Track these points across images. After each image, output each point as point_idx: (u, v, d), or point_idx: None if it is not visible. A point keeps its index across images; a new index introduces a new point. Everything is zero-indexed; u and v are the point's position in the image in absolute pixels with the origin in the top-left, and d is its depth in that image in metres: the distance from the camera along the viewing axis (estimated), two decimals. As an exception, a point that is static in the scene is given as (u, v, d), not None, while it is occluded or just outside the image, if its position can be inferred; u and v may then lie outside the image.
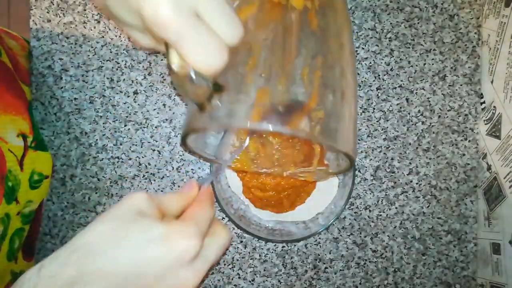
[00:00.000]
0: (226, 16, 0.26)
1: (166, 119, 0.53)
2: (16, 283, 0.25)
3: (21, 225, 0.45)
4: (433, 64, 0.54)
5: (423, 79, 0.54)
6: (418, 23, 0.54)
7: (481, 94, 0.54)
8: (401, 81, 0.54)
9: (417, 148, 0.54)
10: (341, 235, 0.54)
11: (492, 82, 0.52)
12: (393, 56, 0.54)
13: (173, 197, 0.30)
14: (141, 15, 0.25)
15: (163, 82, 0.53)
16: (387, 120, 0.54)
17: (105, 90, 0.53)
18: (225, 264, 0.53)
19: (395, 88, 0.54)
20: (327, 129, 0.31)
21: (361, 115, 0.54)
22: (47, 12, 0.52)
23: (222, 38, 0.26)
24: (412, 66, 0.54)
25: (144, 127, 0.53)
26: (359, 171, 0.54)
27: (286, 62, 0.31)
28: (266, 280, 0.53)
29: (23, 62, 0.51)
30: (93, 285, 0.25)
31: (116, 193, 0.53)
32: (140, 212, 0.27)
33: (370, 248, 0.54)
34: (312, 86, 0.31)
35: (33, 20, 0.52)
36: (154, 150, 0.53)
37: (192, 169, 0.53)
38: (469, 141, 0.54)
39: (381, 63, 0.54)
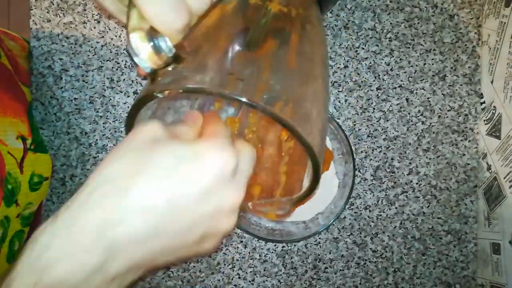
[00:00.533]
0: None
1: (166, 119, 0.53)
2: (37, 233, 0.22)
3: (21, 227, 0.45)
4: (433, 64, 0.54)
5: (423, 79, 0.54)
6: (418, 23, 0.54)
7: (481, 94, 0.54)
8: (401, 81, 0.54)
9: (417, 148, 0.54)
10: (341, 235, 0.54)
11: (492, 82, 0.52)
12: (393, 56, 0.54)
13: (185, 125, 0.27)
14: None
15: (163, 82, 0.53)
16: (387, 120, 0.54)
17: (105, 90, 0.53)
18: (225, 264, 0.53)
19: (395, 88, 0.54)
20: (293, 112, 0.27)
21: (361, 115, 0.54)
22: (47, 12, 0.52)
23: (187, 2, 0.25)
24: (412, 66, 0.54)
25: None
26: (359, 171, 0.54)
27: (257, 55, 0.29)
28: (266, 280, 0.53)
29: (22, 63, 0.51)
30: (129, 224, 0.21)
31: (116, 193, 0.53)
32: (157, 140, 0.24)
33: (370, 248, 0.54)
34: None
35: (33, 20, 0.52)
36: (154, 150, 0.53)
37: (192, 169, 0.53)
38: (469, 141, 0.54)
39: (381, 63, 0.54)
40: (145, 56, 0.26)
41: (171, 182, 0.22)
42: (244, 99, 0.24)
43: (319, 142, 0.28)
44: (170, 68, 0.26)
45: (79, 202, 0.22)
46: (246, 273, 0.53)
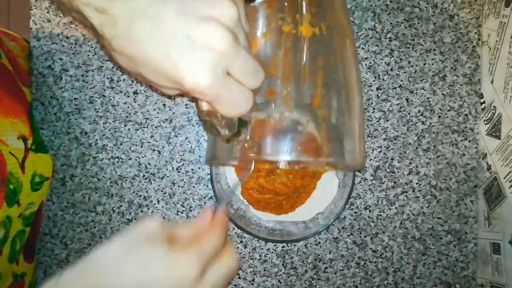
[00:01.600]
0: (252, 70, 0.29)
1: (166, 119, 0.53)
2: None
3: (22, 227, 0.45)
4: (433, 64, 0.54)
5: (423, 79, 0.54)
6: (418, 23, 0.54)
7: (481, 94, 0.54)
8: (401, 81, 0.54)
9: (417, 148, 0.54)
10: (341, 235, 0.54)
11: (492, 82, 0.52)
12: (393, 56, 0.54)
13: (185, 225, 0.32)
14: (181, 85, 0.27)
15: (163, 82, 0.53)
16: (387, 120, 0.54)
17: (105, 90, 0.53)
18: (225, 264, 0.53)
19: (395, 88, 0.54)
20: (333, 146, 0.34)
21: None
22: (47, 12, 0.52)
23: (249, 87, 0.30)
24: (412, 66, 0.54)
25: (144, 127, 0.53)
26: (359, 171, 0.54)
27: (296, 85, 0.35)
28: (266, 280, 0.53)
29: (23, 64, 0.51)
30: None
31: (116, 193, 0.53)
32: (149, 236, 0.29)
33: (370, 248, 0.54)
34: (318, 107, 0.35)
35: (33, 20, 0.52)
36: (154, 150, 0.53)
37: (192, 169, 0.53)
38: (469, 141, 0.54)
39: (381, 63, 0.54)
40: (217, 130, 0.33)
41: (142, 277, 0.27)
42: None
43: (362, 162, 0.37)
44: (241, 135, 0.34)
45: (78, 272, 0.28)
46: (246, 273, 0.53)
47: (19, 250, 0.45)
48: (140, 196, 0.53)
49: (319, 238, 0.53)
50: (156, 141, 0.53)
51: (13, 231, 0.43)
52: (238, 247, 0.53)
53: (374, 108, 0.54)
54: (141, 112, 0.53)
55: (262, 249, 0.53)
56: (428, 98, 0.54)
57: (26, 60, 0.52)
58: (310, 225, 0.50)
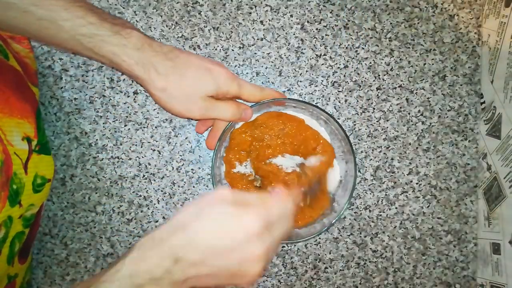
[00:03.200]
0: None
1: (166, 119, 0.53)
2: (136, 245, 0.32)
3: (22, 228, 0.45)
4: (433, 64, 0.54)
5: (423, 79, 0.54)
6: (418, 23, 0.54)
7: (481, 94, 0.54)
8: (401, 81, 0.54)
9: (417, 148, 0.54)
10: (341, 235, 0.54)
11: (492, 82, 0.52)
12: (393, 56, 0.54)
13: (255, 195, 0.36)
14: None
15: (163, 82, 0.53)
16: (387, 120, 0.54)
17: (105, 90, 0.53)
18: (225, 264, 0.53)
19: (395, 88, 0.54)
20: None
21: (361, 115, 0.54)
22: (47, 12, 0.52)
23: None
24: (412, 66, 0.54)
25: (144, 127, 0.53)
26: (359, 171, 0.54)
27: None
28: (266, 280, 0.53)
29: (31, 64, 0.51)
30: (188, 251, 0.31)
31: (116, 193, 0.53)
32: (221, 198, 0.34)
33: (370, 248, 0.54)
34: None
35: (33, 20, 0.52)
36: (154, 150, 0.53)
37: (192, 169, 0.53)
38: (469, 141, 0.54)
39: (381, 63, 0.54)
40: None
41: (217, 231, 0.32)
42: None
43: None
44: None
45: (167, 230, 0.33)
46: (246, 273, 0.53)
47: (17, 251, 0.45)
48: (140, 196, 0.53)
49: (319, 238, 0.53)
50: (156, 141, 0.53)
51: (13, 232, 0.43)
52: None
53: (374, 108, 0.54)
54: (141, 112, 0.53)
55: (262, 249, 0.53)
56: (428, 98, 0.54)
57: (34, 61, 0.52)
58: (315, 225, 0.50)
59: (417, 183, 0.54)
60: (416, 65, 0.54)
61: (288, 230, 0.36)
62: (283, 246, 0.53)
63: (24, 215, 0.44)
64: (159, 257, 0.31)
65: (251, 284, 0.33)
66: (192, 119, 0.50)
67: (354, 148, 0.54)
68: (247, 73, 0.54)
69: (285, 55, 0.54)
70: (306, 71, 0.54)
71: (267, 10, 0.54)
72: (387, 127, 0.54)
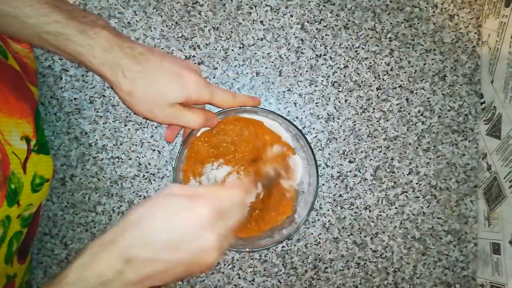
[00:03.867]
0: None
1: (166, 119, 0.53)
2: (84, 249, 0.31)
3: (20, 228, 0.45)
4: (433, 64, 0.54)
5: (423, 79, 0.54)
6: (418, 23, 0.54)
7: (481, 94, 0.54)
8: (401, 81, 0.54)
9: (417, 148, 0.54)
10: (341, 235, 0.54)
11: (492, 82, 0.52)
12: (393, 56, 0.54)
13: (206, 186, 0.38)
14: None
15: (163, 82, 0.53)
16: (387, 120, 0.54)
17: (105, 90, 0.53)
18: (225, 264, 0.53)
19: (395, 88, 0.54)
20: None
21: (361, 115, 0.54)
22: (47, 12, 0.52)
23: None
24: (412, 66, 0.54)
25: (144, 127, 0.53)
26: (359, 171, 0.54)
27: None
28: (266, 280, 0.53)
29: (31, 64, 0.51)
30: (139, 249, 0.31)
31: (116, 193, 0.53)
32: (171, 193, 0.34)
33: (370, 248, 0.54)
34: None
35: (33, 20, 0.52)
36: (154, 150, 0.53)
37: (192, 169, 0.53)
38: (469, 141, 0.54)
39: (381, 63, 0.54)
40: None
41: (169, 226, 0.32)
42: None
43: None
44: None
45: (118, 230, 0.32)
46: (246, 273, 0.53)
47: (15, 251, 0.45)
48: (140, 196, 0.53)
49: (319, 238, 0.53)
50: (156, 141, 0.53)
51: (11, 232, 0.43)
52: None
53: (374, 108, 0.54)
54: (141, 112, 0.53)
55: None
56: (428, 98, 0.54)
57: (34, 61, 0.52)
58: (275, 235, 0.49)
59: (417, 183, 0.54)
60: (416, 65, 0.54)
61: (241, 218, 0.36)
62: (283, 246, 0.53)
63: (22, 214, 0.44)
64: (109, 259, 0.30)
65: (207, 272, 0.33)
66: (156, 122, 0.49)
67: (354, 148, 0.54)
68: (247, 73, 0.54)
69: (285, 55, 0.54)
70: (306, 71, 0.54)
71: (267, 10, 0.54)
72: (387, 127, 0.54)
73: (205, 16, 0.53)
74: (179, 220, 0.32)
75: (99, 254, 0.31)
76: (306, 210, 0.47)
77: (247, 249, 0.47)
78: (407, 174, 0.54)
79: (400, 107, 0.54)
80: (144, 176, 0.53)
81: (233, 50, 0.54)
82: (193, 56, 0.53)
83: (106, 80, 0.42)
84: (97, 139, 0.53)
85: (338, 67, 0.54)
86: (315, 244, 0.54)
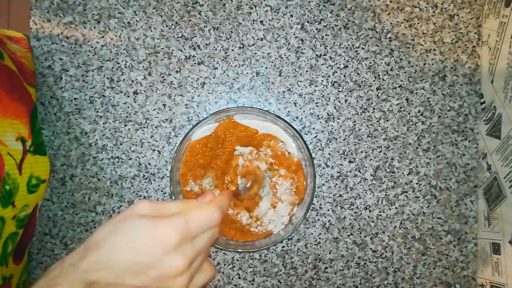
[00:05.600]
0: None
1: (166, 119, 0.53)
2: (45, 273, 0.30)
3: (16, 229, 0.44)
4: (433, 64, 0.54)
5: (423, 79, 0.54)
6: (418, 23, 0.54)
7: (481, 94, 0.54)
8: (401, 81, 0.54)
9: (417, 148, 0.54)
10: (341, 235, 0.54)
11: (492, 82, 0.52)
12: (393, 56, 0.54)
13: (176, 203, 0.34)
14: None
15: (163, 82, 0.53)
16: (387, 120, 0.54)
17: (105, 90, 0.53)
18: (225, 264, 0.53)
19: (395, 88, 0.54)
20: None
21: (361, 115, 0.54)
22: (47, 12, 0.52)
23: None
24: (412, 66, 0.54)
25: (144, 127, 0.53)
26: (359, 171, 0.54)
27: None
28: (266, 280, 0.53)
29: (28, 64, 0.51)
30: (101, 273, 0.29)
31: (116, 193, 0.53)
32: (138, 213, 0.31)
33: (370, 248, 0.54)
34: None
35: (33, 20, 0.52)
36: (154, 150, 0.53)
37: (192, 169, 0.53)
38: (469, 141, 0.54)
39: (381, 63, 0.54)
40: None
41: (132, 249, 0.30)
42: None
43: None
44: None
45: (79, 252, 0.30)
46: (246, 273, 0.53)
47: (10, 252, 0.44)
48: (140, 196, 0.53)
49: (319, 238, 0.53)
50: (156, 141, 0.53)
51: (6, 233, 0.43)
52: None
53: (374, 108, 0.54)
54: (141, 112, 0.53)
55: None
56: (428, 98, 0.54)
57: (32, 61, 0.52)
58: (271, 236, 0.49)
59: (417, 183, 0.54)
60: (416, 65, 0.54)
61: (213, 237, 0.33)
62: (283, 246, 0.53)
63: (17, 216, 0.44)
64: (69, 284, 0.28)
65: None
66: None
67: (354, 148, 0.54)
68: (247, 73, 0.54)
69: (285, 55, 0.54)
70: (306, 71, 0.54)
71: (267, 10, 0.54)
72: (387, 127, 0.54)
73: (205, 16, 0.53)
74: (143, 243, 0.30)
75: (58, 278, 0.29)
76: (303, 211, 0.47)
77: (239, 250, 0.47)
78: (407, 174, 0.54)
79: (400, 107, 0.54)
80: (144, 176, 0.53)
81: (233, 50, 0.54)
82: (193, 56, 0.53)
83: None
84: (97, 139, 0.53)
85: (338, 67, 0.54)
86: (315, 244, 0.53)
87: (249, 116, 0.50)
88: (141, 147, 0.53)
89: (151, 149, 0.53)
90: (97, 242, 0.30)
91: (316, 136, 0.54)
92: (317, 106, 0.54)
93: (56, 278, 0.29)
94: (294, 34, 0.54)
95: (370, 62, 0.54)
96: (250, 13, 0.54)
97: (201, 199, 0.35)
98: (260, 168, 0.50)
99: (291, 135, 0.50)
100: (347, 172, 0.54)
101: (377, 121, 0.54)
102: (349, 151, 0.54)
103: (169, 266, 0.30)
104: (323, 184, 0.54)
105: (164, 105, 0.53)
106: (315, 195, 0.53)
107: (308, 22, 0.54)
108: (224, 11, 0.53)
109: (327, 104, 0.54)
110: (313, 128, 0.54)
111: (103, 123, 0.53)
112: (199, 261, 0.32)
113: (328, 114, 0.54)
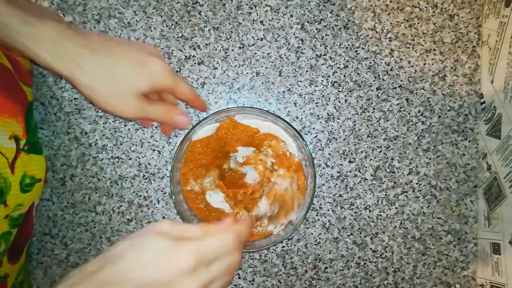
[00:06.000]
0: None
1: (166, 119, 0.53)
2: (64, 278, 0.30)
3: (9, 228, 0.44)
4: (433, 64, 0.54)
5: (423, 79, 0.54)
6: (418, 23, 0.54)
7: (481, 94, 0.54)
8: (401, 81, 0.54)
9: (417, 148, 0.54)
10: (341, 235, 0.54)
11: (492, 82, 0.52)
12: (393, 56, 0.54)
13: (196, 227, 0.34)
14: None
15: (163, 82, 0.53)
16: (387, 120, 0.54)
17: (105, 90, 0.53)
18: (225, 264, 0.53)
19: (395, 88, 0.54)
20: None
21: (361, 115, 0.54)
22: (47, 12, 0.52)
23: None
24: (412, 66, 0.54)
25: (144, 127, 0.53)
26: (359, 171, 0.54)
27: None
28: (266, 280, 0.53)
29: (24, 63, 0.50)
30: (117, 286, 0.30)
31: (116, 193, 0.53)
32: (159, 232, 0.32)
33: (370, 248, 0.54)
34: None
35: (33, 20, 0.52)
36: (154, 150, 0.53)
37: (192, 169, 0.53)
38: (469, 141, 0.54)
39: (381, 63, 0.54)
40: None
41: (147, 267, 0.30)
42: None
43: None
44: None
45: (98, 262, 0.31)
46: (246, 273, 0.53)
47: (4, 252, 0.44)
48: (140, 196, 0.53)
49: (319, 238, 0.53)
50: (156, 141, 0.53)
51: None
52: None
53: (374, 108, 0.54)
54: (141, 112, 0.53)
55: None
56: (428, 98, 0.54)
57: (28, 59, 0.52)
58: (271, 236, 0.50)
59: (417, 183, 0.54)
60: (416, 65, 0.54)
61: (232, 263, 0.34)
62: (283, 246, 0.53)
63: (11, 215, 0.44)
64: None
65: None
66: (125, 118, 0.46)
67: (354, 148, 0.54)
68: (247, 73, 0.54)
69: (285, 55, 0.54)
70: (306, 71, 0.54)
71: (267, 10, 0.54)
72: (387, 127, 0.54)
73: (205, 16, 0.53)
74: (159, 263, 0.31)
75: (77, 285, 0.30)
76: (303, 211, 0.47)
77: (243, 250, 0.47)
78: (407, 174, 0.54)
79: (400, 107, 0.54)
80: (144, 176, 0.53)
81: (233, 50, 0.54)
82: (193, 56, 0.53)
83: (61, 76, 0.38)
84: (97, 139, 0.53)
85: (338, 67, 0.54)
86: (315, 244, 0.54)
87: (250, 116, 0.50)
88: (141, 147, 0.53)
89: (151, 149, 0.53)
90: (117, 255, 0.31)
91: (316, 136, 0.54)
92: (317, 106, 0.54)
93: (76, 285, 0.30)
94: (294, 34, 0.54)
95: (370, 62, 0.54)
96: (250, 13, 0.54)
97: (221, 223, 0.36)
98: (289, 191, 0.49)
99: (292, 135, 0.50)
100: (347, 172, 0.54)
101: (377, 121, 0.54)
102: (349, 151, 0.54)
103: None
104: (323, 184, 0.54)
105: (164, 105, 0.53)
106: (315, 195, 0.53)
107: (308, 22, 0.54)
108: (224, 11, 0.53)
109: (327, 104, 0.54)
110: (313, 128, 0.54)
111: (103, 123, 0.53)
112: (215, 286, 0.33)
113: (328, 114, 0.54)
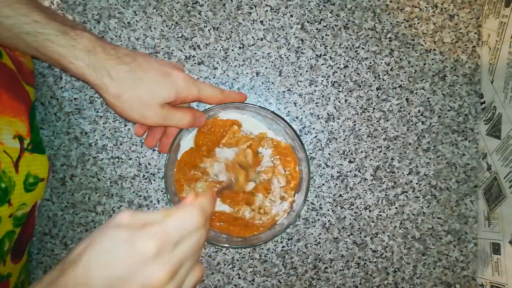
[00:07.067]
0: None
1: (166, 119, 0.53)
2: None
3: (13, 227, 0.44)
4: (433, 64, 0.54)
5: (423, 79, 0.54)
6: (418, 23, 0.54)
7: (481, 94, 0.54)
8: (401, 81, 0.54)
9: (417, 148, 0.54)
10: (341, 235, 0.54)
11: (492, 82, 0.52)
12: (393, 56, 0.54)
13: (157, 212, 0.32)
14: None
15: (163, 82, 0.53)
16: (387, 120, 0.54)
17: (105, 90, 0.53)
18: (225, 264, 0.53)
19: (395, 88, 0.54)
20: None
21: (361, 115, 0.54)
22: (47, 12, 0.52)
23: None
24: (412, 66, 0.54)
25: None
26: (359, 171, 0.54)
27: None
28: (266, 280, 0.53)
29: (27, 63, 0.50)
30: None
31: (116, 193, 0.53)
32: (118, 224, 0.30)
33: (370, 248, 0.54)
34: None
35: (33, 20, 0.52)
36: (154, 150, 0.53)
37: (192, 169, 0.53)
38: (469, 141, 0.54)
39: (381, 63, 0.54)
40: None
41: (108, 262, 0.29)
42: None
43: None
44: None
45: (58, 269, 0.29)
46: (246, 273, 0.53)
47: (7, 250, 0.44)
48: (140, 196, 0.53)
49: (319, 238, 0.53)
50: (156, 141, 0.53)
51: (3, 231, 0.42)
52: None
53: (374, 108, 0.54)
54: (141, 112, 0.53)
55: (262, 249, 0.53)
56: (428, 98, 0.54)
57: (31, 60, 0.52)
58: (275, 226, 0.50)
59: (417, 183, 0.54)
60: (416, 65, 0.54)
61: (199, 240, 0.32)
62: (283, 246, 0.53)
63: (14, 214, 0.44)
64: None
65: None
66: (146, 125, 0.47)
67: (354, 148, 0.54)
68: (247, 73, 0.54)
69: (285, 55, 0.54)
70: (306, 71, 0.54)
71: (267, 10, 0.54)
72: (387, 127, 0.54)
73: (205, 16, 0.53)
74: (119, 256, 0.29)
75: None
76: (302, 196, 0.48)
77: (246, 245, 0.47)
78: (407, 174, 0.54)
79: (400, 107, 0.54)
80: (144, 176, 0.53)
81: (233, 50, 0.54)
82: (193, 56, 0.53)
83: (90, 84, 0.40)
84: (97, 139, 0.53)
85: (338, 67, 0.54)
86: (315, 244, 0.54)
87: (229, 110, 0.50)
88: (141, 147, 0.53)
89: (151, 149, 0.53)
90: (74, 258, 0.29)
91: (316, 136, 0.54)
92: (317, 106, 0.54)
93: None
94: (294, 34, 0.54)
95: (370, 62, 0.54)
96: (250, 13, 0.54)
97: (182, 203, 0.34)
98: (241, 158, 0.50)
99: (277, 124, 0.50)
100: (347, 172, 0.54)
101: (377, 121, 0.54)
102: (349, 151, 0.54)
103: (149, 277, 0.29)
104: (323, 184, 0.54)
105: (164, 105, 0.53)
106: (315, 195, 0.53)
107: (308, 22, 0.54)
108: (224, 11, 0.53)
109: (327, 104, 0.54)
110: (313, 128, 0.54)
111: (103, 123, 0.53)
112: (187, 267, 0.31)
113: (328, 114, 0.54)
